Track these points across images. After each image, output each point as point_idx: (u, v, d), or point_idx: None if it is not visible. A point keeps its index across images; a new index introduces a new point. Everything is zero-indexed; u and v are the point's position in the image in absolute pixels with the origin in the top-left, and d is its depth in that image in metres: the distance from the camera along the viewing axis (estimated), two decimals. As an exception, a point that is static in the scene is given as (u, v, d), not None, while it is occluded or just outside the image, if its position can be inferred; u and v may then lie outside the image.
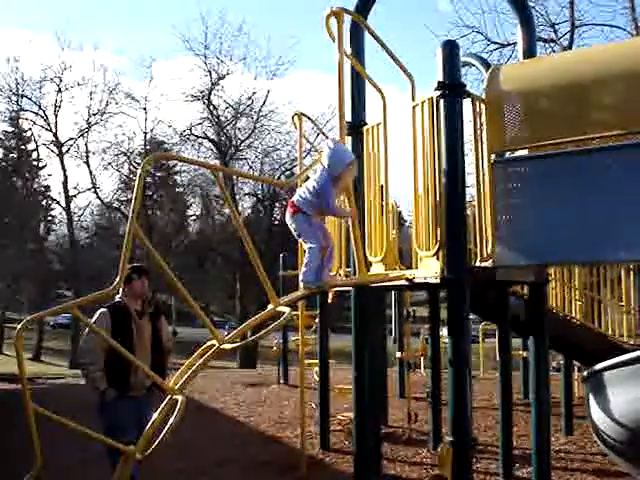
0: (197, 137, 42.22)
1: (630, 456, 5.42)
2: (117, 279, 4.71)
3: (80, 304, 4.83)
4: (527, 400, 11.41)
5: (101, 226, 52.31)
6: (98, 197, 46.48)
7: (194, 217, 51.51)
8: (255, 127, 41.74)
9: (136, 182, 4.89)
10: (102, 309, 6.26)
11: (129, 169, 44.51)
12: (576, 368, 11.90)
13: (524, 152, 5.80)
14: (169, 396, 4.72)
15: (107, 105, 44.55)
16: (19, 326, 4.60)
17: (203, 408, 12.88)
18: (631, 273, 9.42)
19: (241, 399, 14.04)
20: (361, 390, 7.17)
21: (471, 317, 5.72)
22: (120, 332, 6.02)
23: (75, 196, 46.05)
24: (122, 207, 45.74)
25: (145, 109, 44.33)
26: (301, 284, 5.64)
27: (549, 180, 5.27)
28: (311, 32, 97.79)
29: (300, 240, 5.78)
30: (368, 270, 6.24)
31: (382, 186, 6.38)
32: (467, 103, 5.52)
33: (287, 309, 5.16)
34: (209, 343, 5.16)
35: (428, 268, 5.54)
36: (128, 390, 6.11)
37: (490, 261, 5.46)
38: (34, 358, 42.82)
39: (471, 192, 6.34)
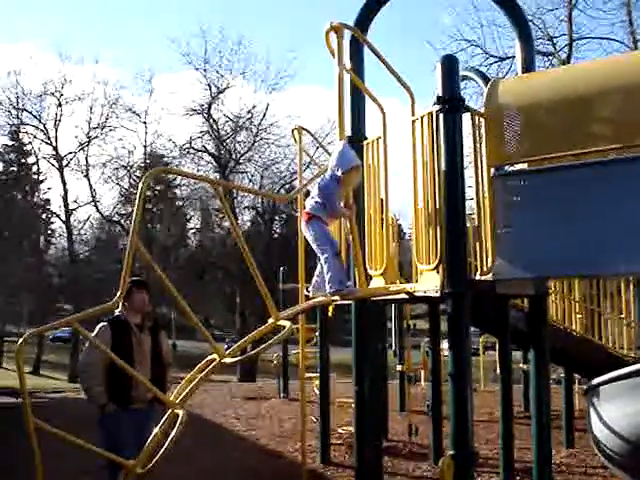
0: (197, 151, 42.37)
1: (631, 469, 5.42)
2: (118, 293, 4.72)
3: (81, 318, 4.83)
4: (528, 413, 11.39)
5: (101, 240, 52.34)
6: (98, 211, 46.62)
7: (194, 230, 51.59)
8: (255, 141, 41.88)
9: (137, 197, 4.90)
10: (102, 323, 6.26)
11: (129, 183, 44.66)
12: (577, 381, 11.90)
13: (524, 166, 5.82)
14: (170, 410, 4.72)
15: (107, 119, 44.80)
16: (20, 340, 4.61)
17: (203, 422, 12.85)
18: (631, 286, 9.42)
19: (241, 413, 14.02)
20: (362, 404, 7.17)
21: (471, 330, 5.72)
22: (120, 346, 6.02)
23: (75, 210, 46.25)
24: (122, 221, 45.80)
25: (145, 123, 44.54)
26: (329, 292, 5.72)
27: (549, 194, 5.28)
28: (311, 46, 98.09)
29: (315, 248, 5.84)
30: (368, 283, 6.26)
31: (382, 200, 6.41)
32: (466, 117, 5.54)
33: (288, 323, 5.16)
34: (210, 357, 5.16)
35: (428, 281, 5.55)
36: (129, 404, 6.10)
37: (490, 274, 5.47)
38: (33, 372, 42.74)
39: (471, 205, 6.35)
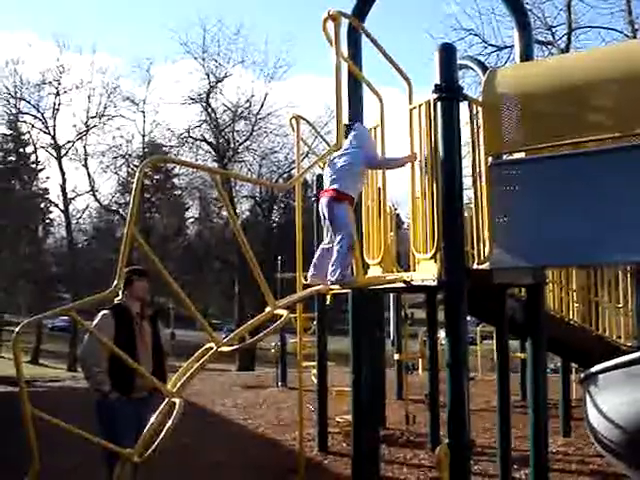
0: (195, 140, 42.17)
1: (627, 458, 5.43)
2: (115, 281, 4.71)
3: (79, 307, 4.83)
4: (525, 402, 11.42)
5: (99, 229, 52.27)
6: (96, 200, 46.46)
7: (192, 220, 51.53)
8: (253, 130, 41.72)
9: (134, 185, 4.89)
10: (104, 311, 6.23)
11: (127, 172, 44.46)
12: (574, 370, 11.92)
13: (521, 154, 5.82)
14: (167, 399, 4.72)
15: (105, 108, 44.55)
16: (17, 329, 4.60)
17: (201, 411, 12.88)
18: (628, 275, 9.42)
19: (239, 402, 14.05)
20: (359, 392, 7.18)
21: (469, 319, 5.73)
22: (123, 334, 6.01)
23: (73, 199, 46.05)
24: (120, 210, 45.68)
25: (143, 112, 44.38)
26: (330, 281, 5.73)
27: (546, 182, 5.28)
28: (309, 35, 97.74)
29: (333, 229, 5.81)
30: (366, 272, 6.25)
31: (380, 189, 6.40)
32: (464, 106, 5.54)
33: (285, 312, 5.16)
34: (207, 346, 5.16)
35: (426, 270, 5.55)
36: (132, 392, 6.08)
37: (487, 263, 5.47)
38: (32, 361, 42.73)
39: (468, 194, 6.35)
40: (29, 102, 44.61)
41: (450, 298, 5.37)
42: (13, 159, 49.26)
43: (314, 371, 10.56)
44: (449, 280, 5.30)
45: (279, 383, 16.97)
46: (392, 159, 6.09)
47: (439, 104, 5.40)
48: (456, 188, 5.36)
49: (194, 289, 41.31)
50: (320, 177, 9.69)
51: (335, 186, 5.77)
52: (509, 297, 7.28)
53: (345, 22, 6.58)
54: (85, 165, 44.95)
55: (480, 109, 5.60)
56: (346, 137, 6.22)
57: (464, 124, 5.51)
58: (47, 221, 52.00)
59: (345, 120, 6.62)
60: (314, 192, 10.10)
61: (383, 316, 12.16)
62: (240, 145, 42.00)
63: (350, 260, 5.92)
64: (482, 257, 5.51)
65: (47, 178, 49.83)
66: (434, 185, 5.44)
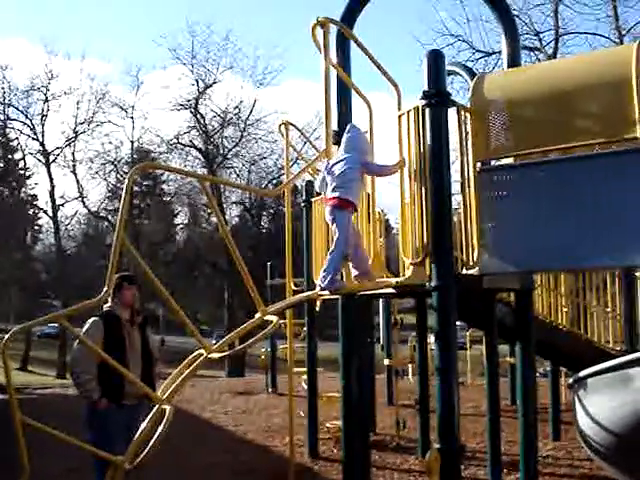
0: (184, 146, 42.08)
1: (616, 461, 5.46)
2: (105, 288, 4.71)
3: (68, 314, 4.83)
4: (515, 406, 11.45)
5: (88, 235, 52.13)
6: (85, 206, 46.28)
7: (181, 226, 51.44)
8: (242, 136, 41.66)
9: (123, 192, 4.90)
10: (94, 317, 6.22)
11: (116, 178, 44.34)
12: (563, 374, 11.96)
13: (509, 160, 5.84)
14: (157, 406, 4.72)
15: (94, 114, 44.41)
16: (6, 336, 4.59)
17: (191, 417, 12.85)
18: (617, 279, 9.47)
19: (229, 408, 14.03)
20: (349, 398, 7.18)
21: (458, 324, 5.74)
22: (113, 340, 6.01)
23: (62, 205, 45.86)
24: (109, 216, 45.53)
25: (132, 118, 44.29)
26: (319, 287, 5.74)
27: (534, 188, 5.30)
28: (299, 40, 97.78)
29: (334, 236, 5.83)
30: (355, 278, 6.26)
31: (369, 194, 6.42)
32: (452, 112, 5.56)
33: (275, 318, 5.17)
34: (197, 352, 5.16)
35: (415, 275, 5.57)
36: (121, 399, 6.07)
37: (476, 268, 5.49)
38: (21, 368, 42.52)
39: (457, 200, 6.37)
40: (17, 108, 44.46)
41: (439, 303, 5.38)
42: (1, 165, 49.06)
43: (304, 377, 10.56)
44: (438, 285, 5.31)
45: (269, 389, 16.95)
46: (384, 166, 6.09)
47: (427, 110, 5.42)
48: (445, 194, 5.38)
49: (183, 295, 41.22)
50: (310, 183, 9.71)
51: (337, 194, 5.76)
52: (498, 302, 7.31)
53: (334, 28, 6.60)
54: (74, 171, 44.81)
55: (468, 115, 5.63)
56: (338, 143, 6.25)
57: (453, 130, 5.53)
58: (36, 228, 51.83)
59: (334, 126, 6.64)
60: (303, 198, 10.12)
61: (373, 321, 12.17)
62: (229, 151, 41.95)
63: (341, 268, 5.94)
64: (471, 262, 5.53)
65: (36, 184, 49.75)
66: (423, 190, 5.46)
